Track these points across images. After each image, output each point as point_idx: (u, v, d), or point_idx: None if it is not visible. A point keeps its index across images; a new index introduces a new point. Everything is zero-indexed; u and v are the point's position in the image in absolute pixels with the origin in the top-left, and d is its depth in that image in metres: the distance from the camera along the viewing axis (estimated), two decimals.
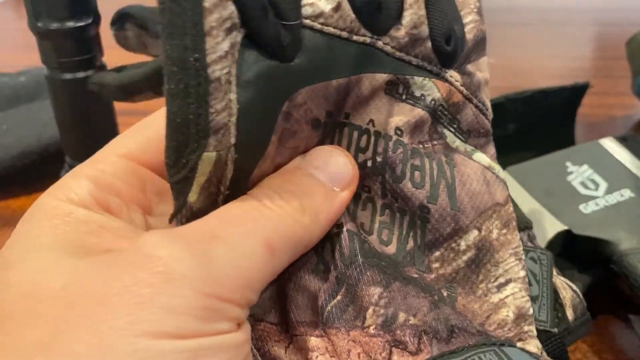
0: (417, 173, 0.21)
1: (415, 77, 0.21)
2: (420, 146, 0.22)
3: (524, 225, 0.25)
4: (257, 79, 0.18)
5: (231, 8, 0.17)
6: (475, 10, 0.23)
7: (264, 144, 0.19)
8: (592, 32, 0.69)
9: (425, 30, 0.21)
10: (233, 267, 0.16)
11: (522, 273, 0.21)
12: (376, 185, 0.21)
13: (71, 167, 0.37)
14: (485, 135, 0.23)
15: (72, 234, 0.17)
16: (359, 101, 0.21)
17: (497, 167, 0.23)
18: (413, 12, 0.21)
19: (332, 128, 0.21)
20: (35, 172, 0.42)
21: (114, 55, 0.37)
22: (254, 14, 0.17)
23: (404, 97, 0.21)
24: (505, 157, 0.39)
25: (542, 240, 0.31)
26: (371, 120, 0.21)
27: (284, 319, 0.20)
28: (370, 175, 0.21)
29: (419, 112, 0.21)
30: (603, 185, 0.34)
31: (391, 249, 0.21)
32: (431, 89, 0.22)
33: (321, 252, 0.21)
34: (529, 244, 0.24)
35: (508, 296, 0.21)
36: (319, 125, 0.21)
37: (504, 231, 0.22)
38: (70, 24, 0.32)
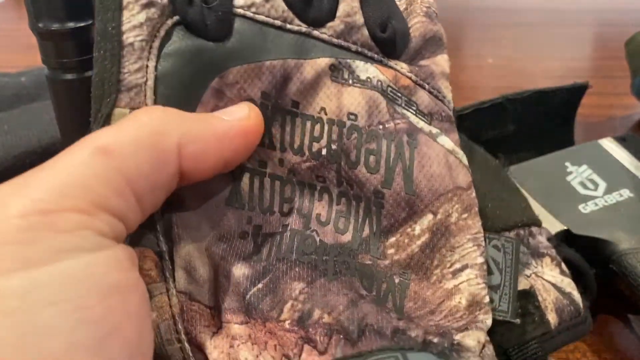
0: (372, 158, 0.21)
1: (357, 61, 0.22)
2: (380, 127, 0.22)
3: (526, 221, 0.25)
4: (181, 52, 0.21)
5: None
6: (422, 13, 0.24)
7: (186, 110, 0.21)
8: (592, 32, 0.69)
9: (359, 19, 0.22)
10: (56, 181, 0.16)
11: (480, 260, 0.21)
12: (331, 173, 0.22)
13: None
14: (448, 120, 0.24)
15: None
16: (305, 88, 0.22)
17: (461, 153, 0.23)
18: (346, 4, 0.22)
19: (276, 114, 0.22)
20: None
21: None
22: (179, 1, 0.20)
23: (350, 81, 0.22)
24: (505, 157, 0.39)
25: None
26: (322, 109, 0.22)
27: (216, 304, 0.21)
28: (325, 164, 0.22)
29: (368, 93, 0.22)
30: (602, 185, 0.34)
31: (347, 237, 0.21)
32: (375, 72, 0.22)
33: (259, 243, 0.21)
34: (503, 237, 0.24)
35: (463, 282, 0.21)
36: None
37: (464, 215, 0.22)
38: (71, 24, 0.32)
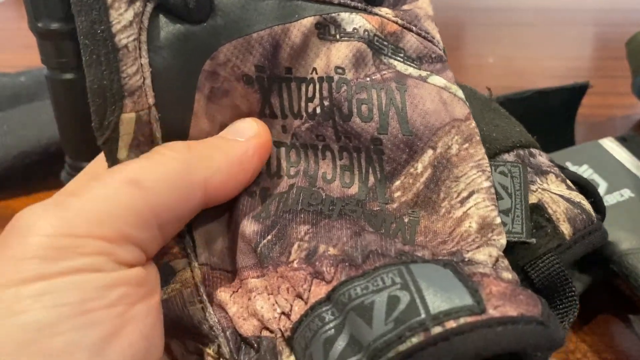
0: (364, 107, 0.22)
1: (342, 14, 0.22)
2: (368, 79, 0.22)
3: (524, 143, 0.24)
4: (169, 42, 0.20)
5: None
6: None
7: (186, 102, 0.21)
8: (592, 32, 0.69)
9: None
10: (88, 208, 0.18)
11: (486, 184, 0.21)
12: (328, 130, 0.22)
13: (71, 167, 0.37)
14: (439, 60, 0.23)
15: None
16: (295, 52, 0.22)
17: (455, 87, 0.23)
18: None
19: (273, 84, 0.22)
20: (36, 172, 0.42)
21: None
22: None
23: (338, 36, 0.22)
24: None
25: None
26: (314, 69, 0.22)
27: (235, 267, 0.22)
28: (322, 122, 0.22)
29: (354, 45, 0.22)
30: (603, 185, 0.34)
31: (353, 189, 0.22)
32: (361, 21, 0.22)
33: (268, 203, 0.22)
34: (509, 160, 0.23)
35: (471, 207, 0.20)
36: (250, 81, 0.22)
37: (465, 145, 0.21)
38: (71, 24, 0.32)
